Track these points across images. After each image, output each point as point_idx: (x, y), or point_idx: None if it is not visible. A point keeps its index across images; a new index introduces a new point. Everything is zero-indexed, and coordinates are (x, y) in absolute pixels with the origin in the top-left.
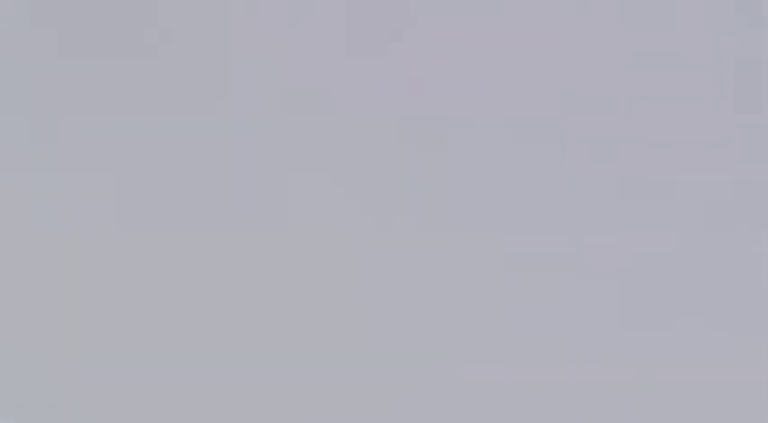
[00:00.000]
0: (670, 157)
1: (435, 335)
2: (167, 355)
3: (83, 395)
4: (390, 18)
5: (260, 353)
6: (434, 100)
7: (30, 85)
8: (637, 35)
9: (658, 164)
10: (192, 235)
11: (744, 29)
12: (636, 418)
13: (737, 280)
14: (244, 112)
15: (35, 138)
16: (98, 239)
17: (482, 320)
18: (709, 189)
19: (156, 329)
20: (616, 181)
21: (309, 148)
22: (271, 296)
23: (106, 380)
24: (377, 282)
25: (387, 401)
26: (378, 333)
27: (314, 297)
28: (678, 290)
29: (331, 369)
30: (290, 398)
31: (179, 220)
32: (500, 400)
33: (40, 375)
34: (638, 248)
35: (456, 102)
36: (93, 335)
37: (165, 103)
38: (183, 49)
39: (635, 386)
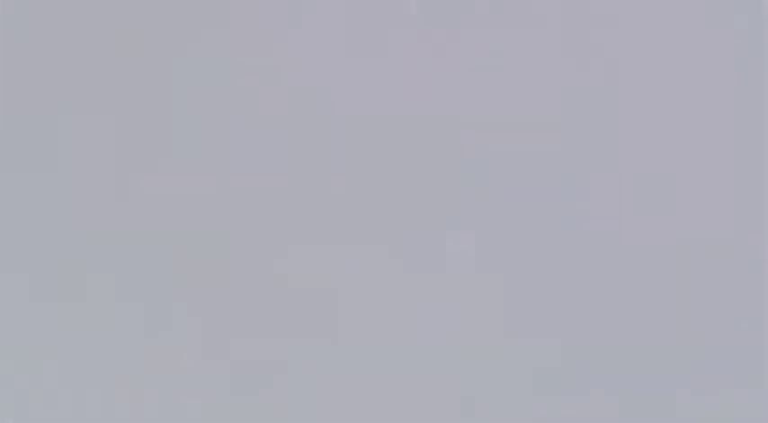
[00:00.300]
0: (669, 157)
1: (436, 336)
2: (168, 355)
3: (83, 395)
4: (392, 18)
5: (263, 351)
6: (437, 101)
7: (29, 86)
8: (636, 35)
9: (658, 164)
10: (189, 232)
11: (744, 29)
12: (637, 418)
13: (738, 280)
14: (244, 112)
15: (35, 139)
16: (100, 241)
17: (486, 323)
18: (708, 189)
19: (157, 330)
20: (616, 181)
21: (310, 149)
22: (272, 298)
23: (107, 380)
24: (382, 286)
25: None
26: (383, 331)
27: (315, 300)
28: (678, 290)
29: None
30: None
31: (178, 219)
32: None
33: (39, 375)
34: (640, 250)
35: (459, 103)
36: (94, 335)
37: (164, 102)
38: (182, 49)
39: (635, 387)
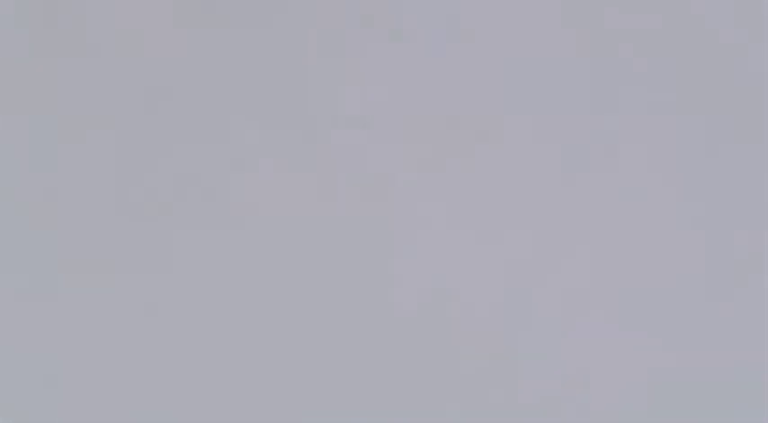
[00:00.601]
0: (669, 158)
1: (438, 330)
2: (168, 355)
3: (82, 395)
4: (392, 19)
5: (269, 349)
6: (439, 101)
7: (30, 88)
8: (636, 35)
9: (658, 165)
10: (188, 228)
11: (744, 28)
12: (636, 418)
13: (737, 280)
14: (245, 112)
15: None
16: (99, 240)
17: (488, 325)
18: (708, 189)
19: (156, 330)
20: (616, 182)
21: (311, 149)
22: (276, 299)
23: (107, 380)
24: (388, 287)
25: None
26: (392, 330)
27: (320, 302)
28: (678, 289)
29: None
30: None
31: (178, 211)
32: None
33: (39, 376)
34: (641, 252)
35: (461, 103)
36: (94, 335)
37: (160, 104)
38: (182, 50)
39: (634, 387)
